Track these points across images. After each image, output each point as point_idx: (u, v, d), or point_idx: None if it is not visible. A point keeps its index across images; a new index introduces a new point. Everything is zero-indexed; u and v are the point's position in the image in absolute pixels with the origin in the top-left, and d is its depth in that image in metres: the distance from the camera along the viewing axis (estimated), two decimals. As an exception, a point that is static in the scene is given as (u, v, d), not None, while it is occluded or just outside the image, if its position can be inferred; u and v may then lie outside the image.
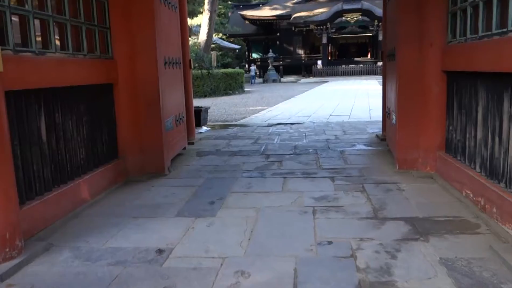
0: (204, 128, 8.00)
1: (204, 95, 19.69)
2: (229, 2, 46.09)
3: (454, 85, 3.77)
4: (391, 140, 4.88)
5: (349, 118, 9.23)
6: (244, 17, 37.57)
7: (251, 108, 13.27)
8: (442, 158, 3.95)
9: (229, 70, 21.48)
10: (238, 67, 37.30)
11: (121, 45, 4.34)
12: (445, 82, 3.97)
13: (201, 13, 22.45)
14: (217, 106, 14.41)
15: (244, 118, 10.38)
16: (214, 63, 23.42)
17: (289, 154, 5.44)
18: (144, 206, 3.56)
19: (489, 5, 3.07)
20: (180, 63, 5.53)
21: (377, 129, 7.22)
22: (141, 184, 4.24)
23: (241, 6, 43.00)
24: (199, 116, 7.83)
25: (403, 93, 4.23)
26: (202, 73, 8.28)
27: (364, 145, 5.89)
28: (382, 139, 6.10)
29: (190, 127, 6.53)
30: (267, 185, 4.07)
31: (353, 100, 14.19)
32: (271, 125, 8.34)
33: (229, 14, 45.03)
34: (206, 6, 20.87)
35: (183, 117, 5.65)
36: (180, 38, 5.62)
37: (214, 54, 22.31)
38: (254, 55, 44.45)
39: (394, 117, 4.54)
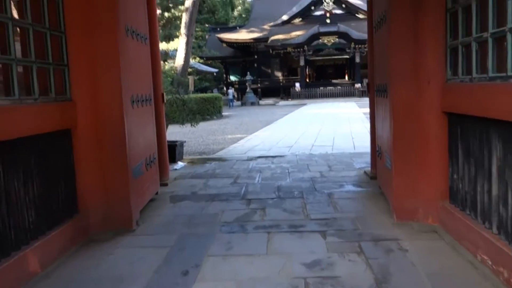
0: (179, 164, 7.45)
1: (182, 122, 19.12)
2: (206, 25, 46.06)
3: (458, 128, 3.35)
4: (385, 184, 4.44)
5: (332, 149, 8.81)
6: (221, 40, 37.41)
7: (229, 136, 12.78)
8: (446, 209, 3.51)
9: (207, 94, 21.07)
10: (216, 89, 36.96)
11: (81, 85, 3.82)
12: (446, 124, 3.55)
13: (178, 37, 22.09)
14: (195, 134, 13.87)
15: (222, 149, 9.87)
16: (192, 88, 22.98)
17: (272, 199, 4.94)
18: (104, 280, 2.99)
19: (501, 42, 2.68)
20: (151, 99, 5.02)
21: (364, 163, 6.80)
22: (104, 245, 3.66)
23: (218, 29, 42.96)
24: (174, 151, 7.29)
25: (398, 135, 3.80)
26: (177, 104, 7.60)
27: (353, 185, 5.44)
28: (371, 177, 5.67)
29: (163, 166, 5.99)
30: (249, 244, 3.54)
31: (334, 126, 13.86)
32: (251, 159, 7.84)
33: (207, 37, 44.92)
34: (183, 30, 20.47)
35: (155, 158, 5.11)
36: (150, 72, 5.11)
37: (191, 78, 21.90)
38: (232, 78, 44.27)
39: (388, 160, 4.10)
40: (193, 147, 10.59)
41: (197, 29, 36.93)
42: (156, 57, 5.85)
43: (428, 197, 3.75)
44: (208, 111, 20.35)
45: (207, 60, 43.33)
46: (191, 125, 8.01)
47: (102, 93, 3.90)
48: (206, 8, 55.61)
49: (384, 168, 4.39)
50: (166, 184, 5.87)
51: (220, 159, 8.04)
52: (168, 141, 7.57)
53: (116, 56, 3.85)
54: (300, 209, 4.47)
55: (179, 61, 20.88)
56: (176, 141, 7.67)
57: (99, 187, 3.93)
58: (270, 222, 4.07)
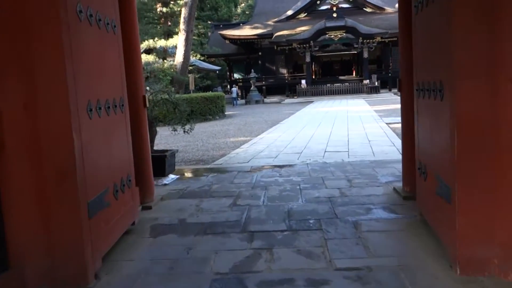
0: (171, 178, 6.33)
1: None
2: (209, 22, 44.97)
3: None
4: (436, 218, 3.28)
5: (348, 156, 7.65)
6: (224, 37, 36.27)
7: (232, 139, 11.65)
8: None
9: (209, 93, 19.96)
10: (220, 87, 35.86)
11: (10, 89, 2.70)
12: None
13: (177, 33, 21.01)
14: (194, 137, 12.74)
15: (223, 155, 8.74)
16: (192, 87, 21.90)
17: (281, 231, 3.80)
18: None
19: None
20: (123, 104, 3.89)
21: (391, 176, 5.66)
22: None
23: (221, 26, 41.87)
24: (163, 163, 6.16)
25: (465, 154, 2.65)
26: (167, 109, 6.48)
27: (384, 209, 4.29)
28: (405, 197, 4.53)
29: (146, 185, 4.88)
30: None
31: (346, 126, 12.69)
32: (255, 170, 6.71)
33: (209, 34, 43.86)
34: (182, 26, 19.41)
35: (130, 180, 3.99)
36: (122, 69, 3.98)
37: (191, 76, 20.81)
38: (236, 76, 43.19)
39: (444, 187, 2.95)
40: (191, 153, 9.47)
41: (199, 26, 35.90)
42: (134, 50, 4.73)
43: (507, 241, 2.60)
44: (210, 111, 19.23)
45: (210, 58, 42.27)
46: (184, 131, 6.81)
47: (42, 99, 2.78)
48: (208, 5, 54.58)
49: (434, 197, 3.23)
50: (149, 207, 4.75)
51: (219, 170, 6.90)
52: (156, 151, 6.46)
53: (58, 47, 2.73)
54: (320, 249, 3.33)
55: (178, 58, 19.82)
56: (166, 151, 6.53)
57: (39, 230, 2.81)
58: (280, 275, 2.93)
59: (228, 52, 40.29)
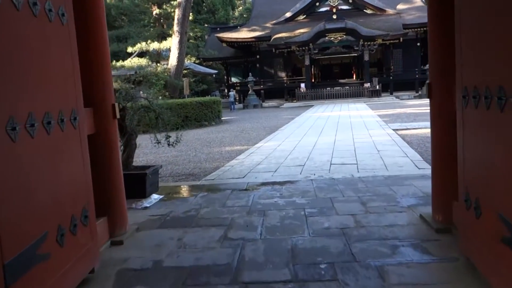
0: (153, 198, 5.42)
1: (176, 127, 17.16)
2: (206, 25, 44.16)
3: None
4: (497, 272, 2.38)
5: (358, 170, 6.74)
6: (221, 40, 35.43)
7: (227, 148, 10.75)
8: None
9: (204, 98, 19.08)
10: (217, 92, 35.01)
11: None
12: None
13: (171, 36, 20.11)
14: (187, 145, 11.86)
15: (217, 168, 7.82)
16: (187, 91, 21.00)
17: (284, 283, 2.90)
18: None
19: None
20: (76, 117, 2.97)
21: (412, 197, 4.78)
22: None
23: (218, 29, 41.12)
24: (143, 182, 5.24)
25: None
26: (149, 117, 5.56)
27: (414, 247, 3.37)
28: (438, 229, 3.62)
29: (117, 213, 3.97)
30: None
31: (351, 133, 11.79)
32: (252, 188, 5.81)
33: (206, 37, 43.07)
34: (175, 27, 18.53)
35: (87, 216, 3.07)
36: (76, 72, 3.06)
37: (186, 81, 19.92)
38: (234, 79, 42.38)
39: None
40: (181, 165, 8.55)
41: (196, 29, 35.05)
42: (100, 49, 3.83)
43: None
44: (205, 116, 18.33)
45: (207, 62, 41.46)
46: (168, 144, 5.88)
47: None
48: (205, 8, 53.84)
49: (495, 244, 2.32)
50: (120, 243, 3.85)
51: (210, 188, 5.99)
52: (136, 168, 5.56)
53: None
54: (338, 317, 2.42)
55: (172, 62, 18.93)
56: (148, 167, 5.60)
57: None
58: None
59: (225, 56, 39.47)
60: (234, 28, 39.82)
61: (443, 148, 3.62)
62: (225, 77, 43.56)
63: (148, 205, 5.16)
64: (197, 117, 17.99)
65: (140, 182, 5.17)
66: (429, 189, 4.15)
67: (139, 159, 9.25)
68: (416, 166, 6.84)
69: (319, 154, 8.55)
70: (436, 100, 3.67)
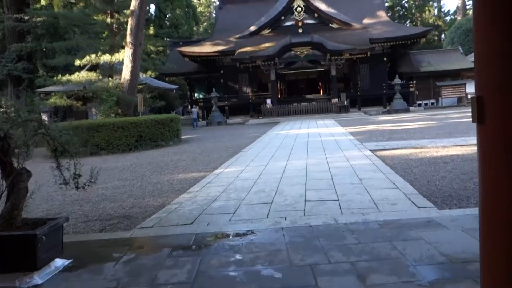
0: (55, 265, 3.69)
1: (129, 148, 15.36)
2: (167, 39, 42.46)
3: None
4: None
5: (341, 210, 5.20)
6: (183, 54, 33.77)
7: (180, 176, 9.05)
8: None
9: (161, 116, 17.32)
10: (181, 108, 33.27)
11: None
12: None
13: (123, 47, 18.34)
14: (134, 172, 10.11)
15: (161, 208, 6.11)
16: (141, 108, 19.18)
17: None
18: None
19: None
20: None
21: (429, 263, 3.31)
22: None
23: (180, 43, 39.46)
24: (32, 248, 3.48)
25: None
26: (47, 142, 3.77)
27: None
28: None
29: None
30: None
31: (324, 156, 10.31)
32: (200, 244, 4.17)
33: (168, 51, 41.40)
34: (128, 38, 16.80)
35: None
36: None
37: (140, 96, 18.12)
38: (197, 95, 40.70)
39: None
40: (118, 201, 6.80)
41: (157, 43, 33.27)
42: None
43: None
44: (162, 136, 16.54)
45: (169, 77, 39.69)
46: (77, 186, 4.10)
47: None
48: (167, 22, 52.26)
49: None
50: None
51: (141, 245, 4.32)
52: (27, 224, 3.82)
53: None
54: None
55: (125, 76, 17.15)
56: (44, 221, 3.83)
57: None
58: None
59: (188, 71, 37.78)
60: (197, 43, 38.26)
61: (498, 201, 2.11)
62: (188, 93, 41.83)
63: (41, 282, 3.43)
64: (152, 136, 16.19)
65: (27, 248, 3.44)
66: (447, 246, 2.79)
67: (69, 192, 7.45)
68: (414, 203, 5.37)
69: (290, 184, 6.99)
70: (492, 123, 2.15)
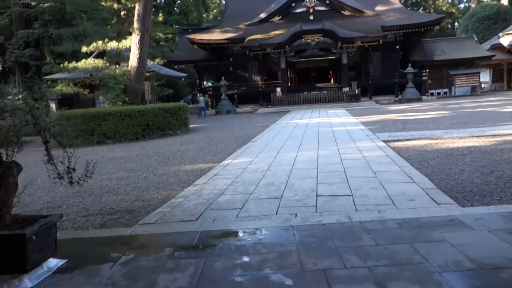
0: (48, 266, 3.43)
1: (136, 137, 15.12)
2: (176, 27, 42.01)
3: None
4: None
5: (355, 207, 4.87)
6: (192, 42, 33.38)
7: (187, 167, 8.77)
8: None
9: (169, 104, 17.03)
10: (190, 97, 33.03)
11: None
12: None
13: (131, 34, 17.99)
14: (140, 162, 9.87)
15: (165, 201, 5.83)
16: (149, 96, 18.89)
17: None
18: None
19: None
20: None
21: (457, 269, 3.01)
22: None
23: (190, 30, 39.05)
24: (22, 249, 3.21)
25: None
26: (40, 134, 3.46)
27: None
28: None
29: None
30: None
31: (335, 147, 9.96)
32: (205, 244, 3.88)
33: (177, 39, 41.01)
34: (136, 24, 16.46)
35: None
36: None
37: (147, 84, 17.83)
38: (206, 83, 40.34)
39: None
40: (122, 194, 6.53)
41: (166, 31, 32.89)
42: None
43: None
44: (170, 124, 16.27)
45: (178, 65, 39.34)
46: (70, 181, 3.79)
47: None
48: (177, 9, 51.82)
49: None
50: None
51: (142, 244, 4.05)
52: (17, 222, 3.56)
53: None
54: None
55: (132, 63, 16.85)
56: (36, 219, 3.55)
57: None
58: None
59: (197, 58, 37.40)
60: (206, 30, 37.81)
61: None
62: (198, 81, 41.49)
63: (31, 285, 3.17)
64: (160, 125, 15.92)
65: (16, 248, 3.17)
66: (474, 250, 2.71)
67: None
68: (433, 199, 5.03)
69: (301, 178, 6.67)
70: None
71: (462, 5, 69.70)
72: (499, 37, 39.43)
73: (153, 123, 15.65)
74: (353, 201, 5.12)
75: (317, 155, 8.84)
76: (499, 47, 38.77)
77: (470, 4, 64.37)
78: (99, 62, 18.23)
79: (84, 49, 18.14)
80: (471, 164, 7.12)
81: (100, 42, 17.75)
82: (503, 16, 49.31)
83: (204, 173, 7.78)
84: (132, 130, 15.18)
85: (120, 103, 17.15)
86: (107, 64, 18.34)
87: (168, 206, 5.44)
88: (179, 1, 52.12)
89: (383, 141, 10.54)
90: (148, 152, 11.72)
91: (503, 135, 10.34)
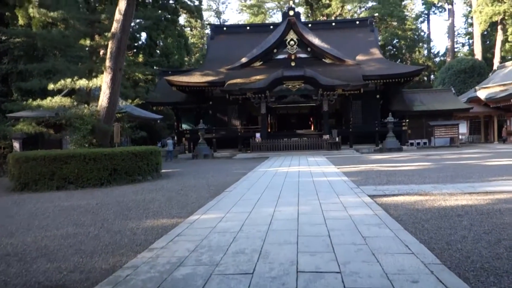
0: None
1: (101, 183, 13.88)
2: (156, 68, 41.51)
3: None
4: None
5: (347, 291, 3.85)
6: (170, 83, 32.72)
7: (148, 222, 7.63)
8: None
9: (139, 148, 15.90)
10: (170, 138, 32.03)
11: None
12: None
13: (102, 72, 17.08)
14: (98, 214, 8.67)
15: (108, 274, 4.69)
16: (118, 139, 17.77)
17: None
18: None
19: None
20: None
21: None
22: None
23: (169, 72, 38.49)
24: None
25: None
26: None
27: None
28: None
29: None
30: None
31: (317, 201, 8.97)
32: None
33: (156, 80, 40.41)
34: (108, 62, 15.59)
35: None
36: None
37: (117, 126, 16.75)
38: (184, 126, 39.45)
39: None
40: (58, 261, 5.34)
41: (146, 72, 32.20)
42: None
43: None
44: (139, 170, 15.10)
45: (156, 106, 38.53)
46: None
47: None
48: (158, 51, 51.60)
49: None
50: None
51: None
52: None
53: None
54: None
55: (102, 103, 15.84)
56: None
57: None
58: None
59: (176, 101, 36.65)
60: (186, 72, 37.31)
61: None
62: (175, 123, 40.59)
63: None
64: (128, 170, 14.74)
65: None
66: None
67: (17, 235, 5.99)
68: (439, 280, 4.06)
69: (278, 243, 5.61)
70: None
71: (437, 59, 71.65)
72: (475, 90, 40.01)
73: (121, 168, 14.48)
74: (342, 281, 4.09)
75: (298, 212, 7.82)
76: (476, 100, 39.26)
77: (445, 58, 66.20)
78: (66, 101, 17.16)
79: (51, 86, 17.09)
80: (472, 229, 6.22)
81: (69, 80, 16.75)
82: (478, 70, 50.52)
83: (166, 232, 6.66)
84: (97, 175, 13.96)
85: (87, 145, 15.99)
86: (75, 103, 17.28)
87: (109, 283, 4.30)
88: (161, 44, 51.98)
89: (369, 195, 9.63)
90: (109, 201, 10.52)
91: (495, 192, 9.58)
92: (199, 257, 5.11)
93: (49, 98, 16.93)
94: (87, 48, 19.48)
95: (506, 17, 51.70)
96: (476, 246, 5.31)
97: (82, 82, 16.91)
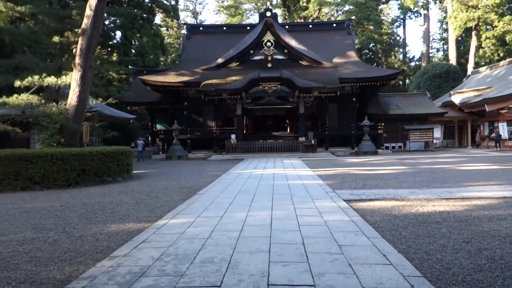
0: None
1: (68, 184, 13.30)
2: (131, 67, 40.67)
3: None
4: None
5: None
6: (145, 83, 32.05)
7: (113, 227, 7.19)
8: None
9: (109, 148, 15.32)
10: (141, 140, 31.36)
11: None
12: None
13: (72, 69, 16.43)
14: (61, 216, 8.17)
15: (64, 285, 4.28)
16: (86, 138, 17.16)
17: None
18: None
19: None
20: None
21: None
22: None
23: (144, 72, 37.75)
24: None
25: None
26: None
27: None
28: None
29: None
30: None
31: (292, 206, 8.67)
32: None
33: (131, 79, 39.62)
34: (78, 60, 14.98)
35: None
36: None
37: (86, 125, 16.15)
38: (159, 127, 38.76)
39: None
40: (10, 269, 4.88)
41: (120, 71, 31.44)
42: None
43: None
44: (109, 170, 14.56)
45: (131, 106, 37.76)
46: None
47: None
48: (134, 50, 50.70)
49: None
50: None
51: None
52: None
53: None
54: None
55: (71, 101, 15.22)
56: None
57: None
58: None
59: (150, 100, 35.96)
60: (161, 72, 36.66)
61: None
62: (150, 123, 39.85)
63: None
64: (98, 171, 14.18)
65: None
66: None
67: None
68: (421, 293, 3.78)
69: (249, 252, 5.27)
70: None
71: (413, 63, 72.65)
72: (450, 95, 40.53)
73: (89, 168, 13.91)
74: (316, 294, 3.78)
75: (271, 218, 7.50)
76: (450, 104, 39.76)
77: (421, 62, 67.14)
78: (34, 99, 16.45)
79: (17, 83, 16.36)
80: (451, 237, 6.02)
81: (36, 77, 16.06)
82: (453, 75, 51.34)
83: (130, 238, 6.25)
84: (64, 176, 13.37)
85: (55, 145, 15.33)
86: (43, 101, 16.59)
87: (61, 297, 3.89)
88: (136, 43, 51.08)
89: (345, 200, 9.40)
90: (75, 204, 10.01)
91: (472, 198, 9.48)
92: (164, 266, 4.73)
93: (15, 95, 16.21)
94: (57, 45, 18.78)
95: (480, 23, 52.76)
96: (457, 257, 5.09)
97: (51, 80, 16.23)
